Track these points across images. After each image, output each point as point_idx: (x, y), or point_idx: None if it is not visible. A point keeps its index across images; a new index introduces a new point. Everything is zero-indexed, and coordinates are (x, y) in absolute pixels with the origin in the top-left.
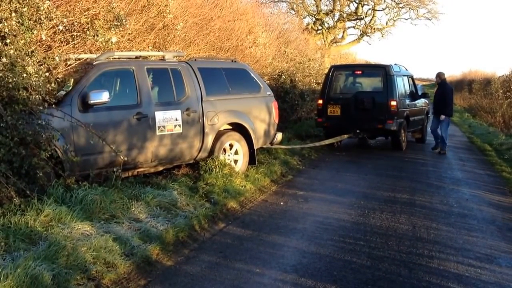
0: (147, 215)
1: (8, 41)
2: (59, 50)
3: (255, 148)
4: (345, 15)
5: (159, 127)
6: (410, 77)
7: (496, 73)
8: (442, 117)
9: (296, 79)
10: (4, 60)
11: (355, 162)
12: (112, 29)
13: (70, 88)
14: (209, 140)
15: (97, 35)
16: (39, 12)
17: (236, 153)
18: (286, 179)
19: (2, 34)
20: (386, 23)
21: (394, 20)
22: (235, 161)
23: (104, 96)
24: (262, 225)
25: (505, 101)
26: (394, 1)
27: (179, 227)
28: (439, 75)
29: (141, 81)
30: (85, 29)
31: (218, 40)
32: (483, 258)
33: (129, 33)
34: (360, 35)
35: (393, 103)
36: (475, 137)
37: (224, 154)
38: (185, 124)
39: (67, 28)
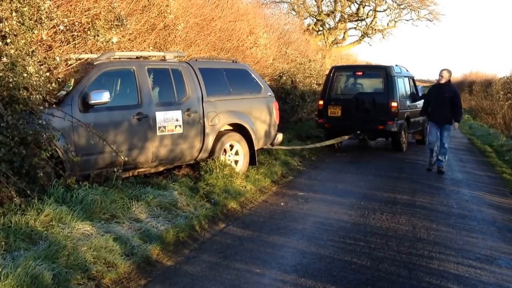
0: (148, 215)
1: (8, 40)
2: (60, 50)
3: (256, 148)
4: (346, 16)
5: (159, 128)
6: (411, 78)
7: (497, 74)
8: (456, 125)
9: (297, 80)
10: (4, 59)
11: (356, 163)
12: (113, 29)
13: (71, 88)
14: (210, 140)
15: (98, 35)
16: (40, 12)
17: (236, 153)
18: (287, 180)
19: (3, 33)
20: (387, 24)
21: (395, 21)
22: (236, 162)
23: (104, 96)
24: (262, 225)
25: (506, 102)
26: (395, 2)
27: (179, 227)
28: (450, 73)
29: (141, 81)
30: (86, 29)
31: (219, 40)
32: (483, 259)
33: (130, 33)
34: (361, 36)
35: (394, 104)
36: (476, 138)
37: (225, 155)
38: (186, 124)
39: (67, 28)
